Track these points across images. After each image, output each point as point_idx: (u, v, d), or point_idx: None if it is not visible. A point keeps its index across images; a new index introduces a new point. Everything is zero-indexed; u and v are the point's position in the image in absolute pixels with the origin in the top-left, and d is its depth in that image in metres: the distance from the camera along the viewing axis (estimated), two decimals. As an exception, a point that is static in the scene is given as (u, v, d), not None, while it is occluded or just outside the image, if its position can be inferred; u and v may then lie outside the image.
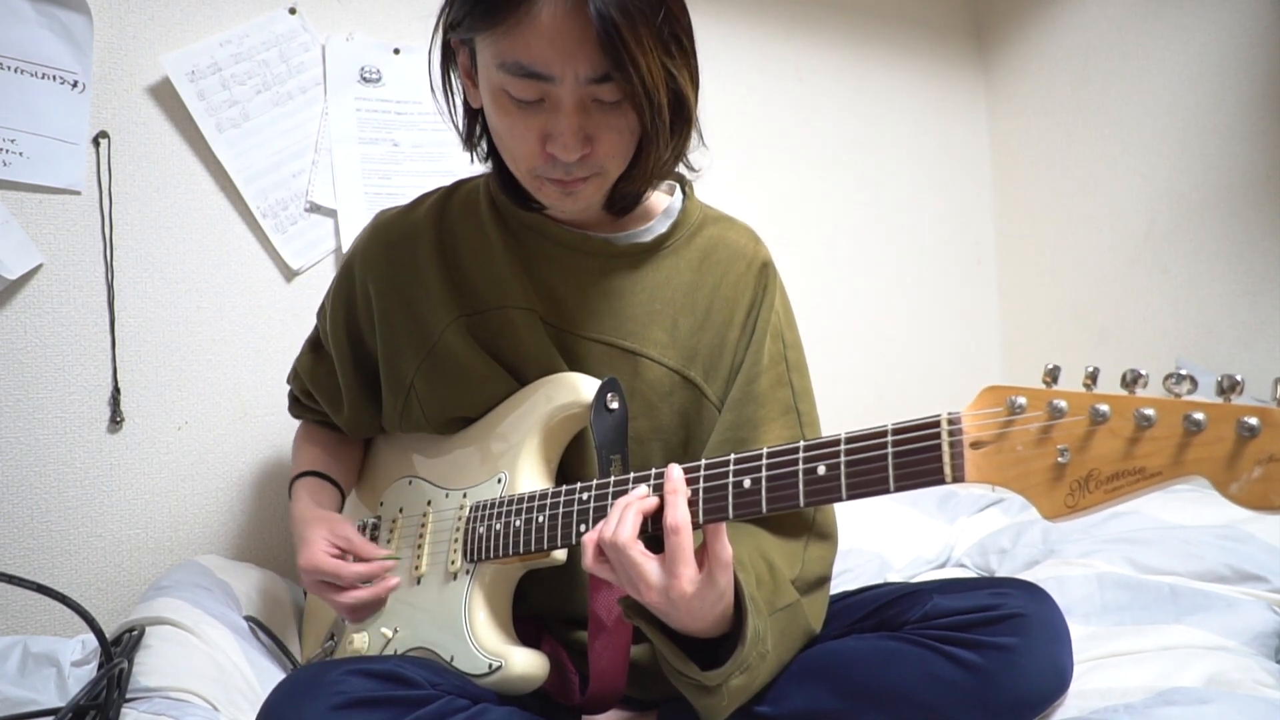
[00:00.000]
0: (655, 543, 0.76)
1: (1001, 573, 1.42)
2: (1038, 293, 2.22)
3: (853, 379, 2.05)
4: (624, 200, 0.95)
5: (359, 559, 0.94)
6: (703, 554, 0.75)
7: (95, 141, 1.29)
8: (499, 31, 0.78)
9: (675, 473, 0.76)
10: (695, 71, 0.86)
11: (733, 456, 0.75)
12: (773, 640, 0.82)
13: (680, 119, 0.85)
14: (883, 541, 1.56)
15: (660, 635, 0.80)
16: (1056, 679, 0.87)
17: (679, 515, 0.74)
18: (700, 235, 1.00)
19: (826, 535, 0.95)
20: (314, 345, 1.15)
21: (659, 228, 0.99)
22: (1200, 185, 1.85)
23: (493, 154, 0.93)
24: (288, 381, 1.21)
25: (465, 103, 0.93)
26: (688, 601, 0.74)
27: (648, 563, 0.74)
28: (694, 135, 0.91)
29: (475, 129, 0.94)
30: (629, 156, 0.87)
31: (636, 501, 0.77)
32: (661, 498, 0.76)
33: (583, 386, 0.91)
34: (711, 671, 0.78)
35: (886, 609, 0.92)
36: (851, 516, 1.56)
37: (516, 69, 0.79)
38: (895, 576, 1.47)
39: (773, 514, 0.73)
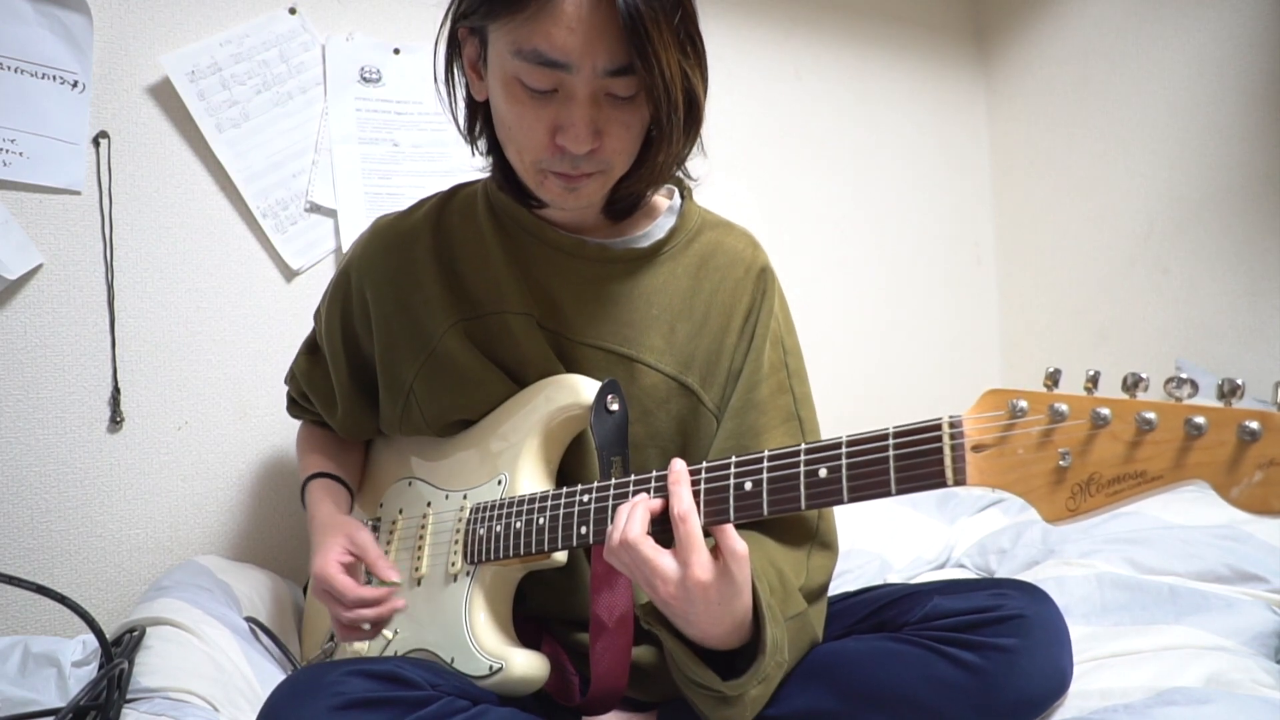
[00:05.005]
0: (666, 545, 0.76)
1: (1001, 573, 1.42)
2: (1038, 293, 2.22)
3: (853, 379, 2.05)
4: (623, 202, 0.95)
5: (369, 569, 0.95)
6: (716, 552, 0.75)
7: (95, 141, 1.29)
8: (520, 18, 0.78)
9: (677, 464, 0.77)
10: (706, 75, 0.86)
11: (734, 459, 0.75)
12: (787, 649, 0.82)
13: (691, 119, 0.86)
14: (883, 542, 1.56)
15: (679, 643, 0.80)
16: (1056, 680, 0.87)
17: (684, 504, 0.74)
18: (698, 240, 0.99)
19: (828, 544, 0.95)
20: (311, 348, 1.15)
21: (657, 233, 0.98)
22: (1200, 185, 1.85)
23: (494, 149, 0.93)
24: (285, 382, 1.21)
25: (467, 96, 0.93)
26: (705, 593, 0.73)
27: (660, 556, 0.74)
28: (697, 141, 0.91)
29: (476, 123, 0.94)
30: (634, 154, 0.88)
31: (642, 500, 0.77)
32: (665, 492, 0.77)
33: (583, 388, 0.91)
34: (732, 681, 0.78)
35: (886, 610, 0.92)
36: (852, 517, 1.56)
37: (534, 56, 0.78)
38: (895, 577, 1.48)
39: (775, 516, 0.73)
